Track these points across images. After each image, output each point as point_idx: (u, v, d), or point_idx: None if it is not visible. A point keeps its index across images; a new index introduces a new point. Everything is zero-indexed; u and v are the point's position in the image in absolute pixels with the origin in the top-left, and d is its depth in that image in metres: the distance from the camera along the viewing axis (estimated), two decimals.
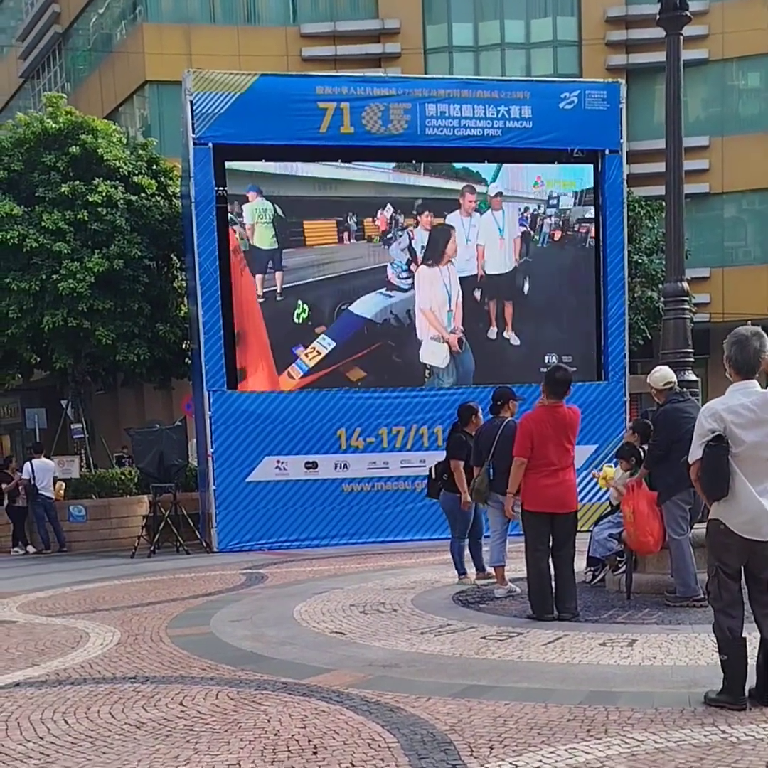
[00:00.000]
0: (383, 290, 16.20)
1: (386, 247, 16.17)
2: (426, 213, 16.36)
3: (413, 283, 16.36)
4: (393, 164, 16.09)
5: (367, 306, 16.21)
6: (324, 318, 16.05)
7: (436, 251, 16.43)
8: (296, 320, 15.92)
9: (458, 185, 16.25)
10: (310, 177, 15.87)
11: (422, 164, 16.09)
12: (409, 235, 16.32)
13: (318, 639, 7.58)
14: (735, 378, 5.22)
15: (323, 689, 5.97)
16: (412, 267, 16.36)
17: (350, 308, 16.11)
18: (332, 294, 16.10)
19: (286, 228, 15.81)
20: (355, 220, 16.02)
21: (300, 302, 15.87)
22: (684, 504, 7.85)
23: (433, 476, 10.31)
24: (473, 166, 16.23)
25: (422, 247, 16.36)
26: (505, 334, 16.55)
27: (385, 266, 16.25)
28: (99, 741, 5.16)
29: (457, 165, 16.19)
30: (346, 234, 16.00)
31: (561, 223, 16.36)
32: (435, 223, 16.24)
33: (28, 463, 17.06)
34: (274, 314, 15.79)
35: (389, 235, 16.15)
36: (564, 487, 7.89)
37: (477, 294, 16.45)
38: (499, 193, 16.37)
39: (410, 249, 16.32)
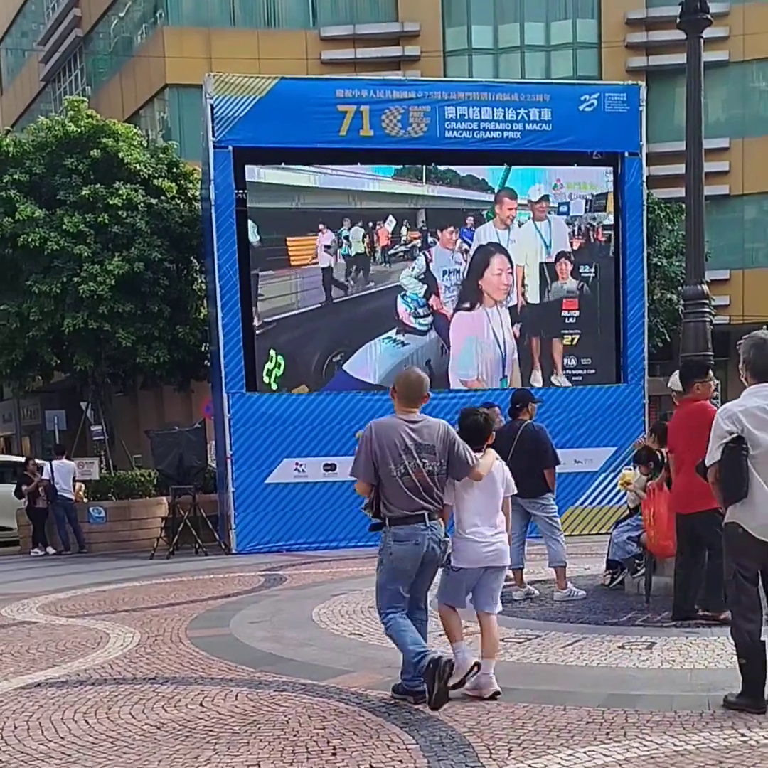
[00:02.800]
0: (392, 333, 14.52)
1: (390, 265, 14.56)
2: (450, 229, 14.65)
3: (433, 322, 14.56)
4: (392, 171, 15.25)
5: (370, 361, 14.05)
6: (307, 376, 14.29)
7: (479, 286, 14.11)
8: (266, 380, 14.49)
9: (466, 194, 15.26)
10: (292, 185, 14.75)
11: (424, 170, 15.33)
12: (426, 257, 14.73)
13: (337, 641, 7.60)
14: (751, 381, 5.22)
15: (342, 691, 5.99)
16: (433, 301, 14.62)
17: (346, 367, 14.25)
18: (321, 337, 14.10)
19: (261, 246, 14.80)
20: (349, 235, 14.71)
21: (273, 352, 14.38)
22: None
23: None
24: (479, 172, 15.57)
25: (445, 272, 14.68)
26: (554, 379, 15.40)
27: (394, 297, 14.56)
28: (119, 741, 5.19)
29: (462, 172, 15.42)
30: (339, 253, 14.83)
31: (577, 231, 15.93)
32: (461, 245, 14.43)
33: (48, 463, 17.18)
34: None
35: (393, 252, 14.79)
36: None
37: (516, 329, 15.09)
38: (545, 198, 15.12)
39: (428, 275, 14.73)
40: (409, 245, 15.17)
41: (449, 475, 5.63)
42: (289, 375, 14.54)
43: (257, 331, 14.60)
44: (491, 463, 5.82)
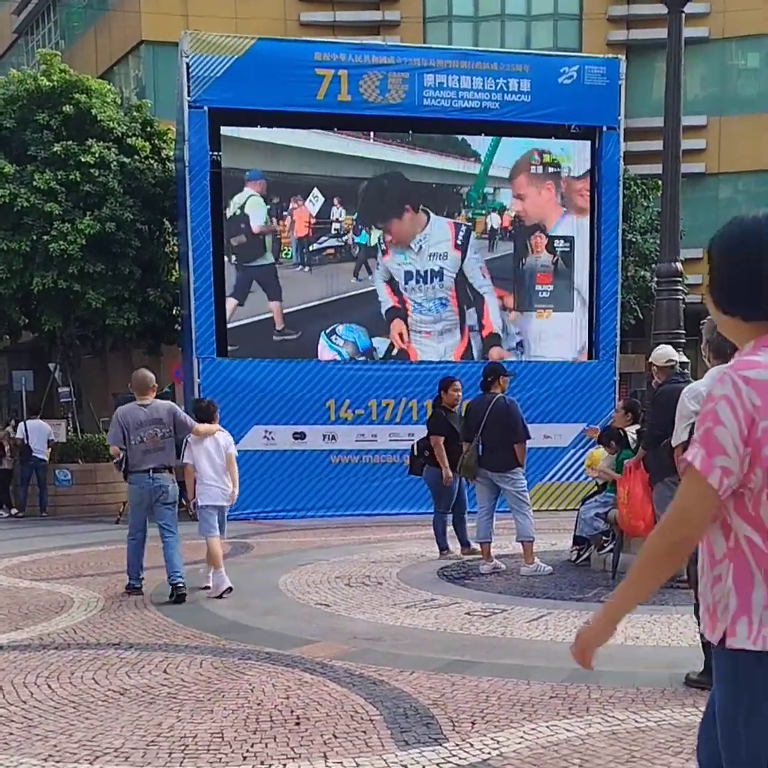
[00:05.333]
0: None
1: (310, 270, 12.18)
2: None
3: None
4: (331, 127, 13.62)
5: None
6: None
7: None
8: None
9: (442, 163, 14.12)
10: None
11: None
12: (385, 272, 11.94)
13: (302, 610, 7.60)
14: (714, 362, 5.22)
15: (307, 660, 5.99)
16: (402, 338, 12.34)
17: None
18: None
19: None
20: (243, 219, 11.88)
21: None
22: (675, 486, 7.84)
23: (415, 453, 10.35)
24: (460, 134, 14.89)
25: (443, 302, 12.39)
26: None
27: (315, 331, 12.23)
28: (82, 706, 5.17)
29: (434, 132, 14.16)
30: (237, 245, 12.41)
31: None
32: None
33: (22, 423, 17.00)
34: None
35: (317, 247, 12.20)
36: None
37: None
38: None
39: (398, 304, 12.35)
40: (344, 238, 12.98)
41: (178, 434, 8.28)
42: None
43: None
44: (212, 430, 8.48)
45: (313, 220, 12.14)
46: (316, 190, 11.95)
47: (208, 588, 8.30)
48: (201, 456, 8.36)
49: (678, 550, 2.16)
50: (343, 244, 11.90)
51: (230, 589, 8.13)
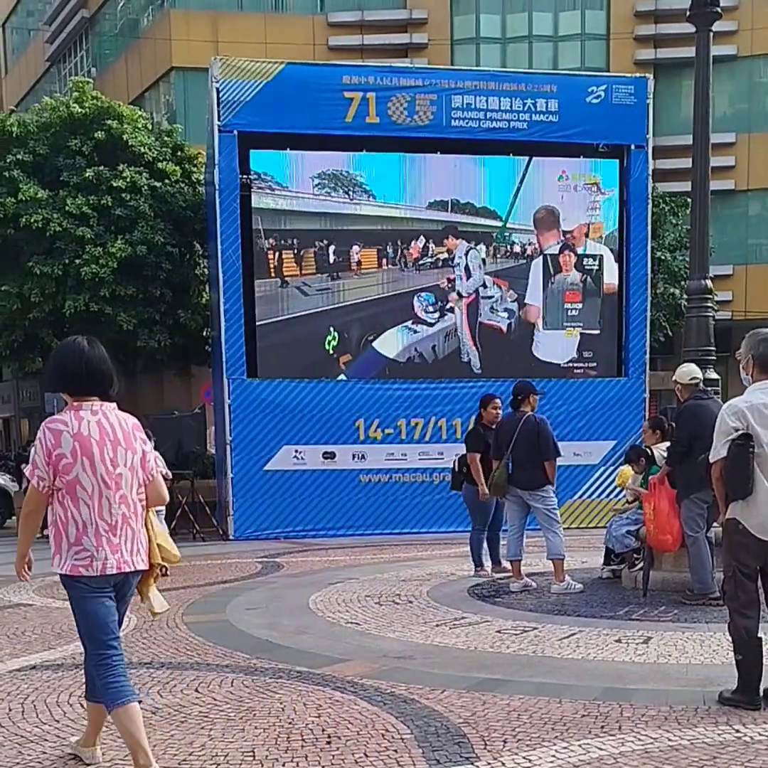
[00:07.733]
0: (409, 323, 16.03)
1: (418, 272, 15.92)
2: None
3: (440, 317, 16.17)
4: (427, 202, 15.96)
5: (392, 341, 16.07)
6: (350, 348, 15.97)
7: None
8: (326, 347, 15.83)
9: (480, 220, 16.10)
10: (355, 215, 15.80)
11: (450, 202, 15.95)
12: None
13: (333, 629, 7.60)
14: (758, 377, 5.18)
15: (338, 679, 5.99)
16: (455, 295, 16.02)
17: (374, 344, 15.97)
18: (362, 321, 15.96)
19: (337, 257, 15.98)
20: (393, 249, 16.08)
21: (332, 328, 15.80)
22: (702, 502, 7.80)
23: (456, 469, 10.36)
24: (492, 202, 16.11)
25: (460, 277, 16.04)
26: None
27: (411, 297, 16.01)
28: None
29: (477, 203, 16.04)
30: (384, 260, 15.96)
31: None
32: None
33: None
34: (306, 338, 15.67)
35: (421, 263, 16.01)
36: None
37: None
38: (566, 247, 16.21)
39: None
40: (434, 257, 16.12)
41: None
42: (340, 347, 15.87)
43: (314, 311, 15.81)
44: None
45: (420, 250, 16.31)
46: (421, 236, 16.27)
47: None
48: None
49: (30, 518, 4.41)
50: (433, 261, 16.46)
51: None
